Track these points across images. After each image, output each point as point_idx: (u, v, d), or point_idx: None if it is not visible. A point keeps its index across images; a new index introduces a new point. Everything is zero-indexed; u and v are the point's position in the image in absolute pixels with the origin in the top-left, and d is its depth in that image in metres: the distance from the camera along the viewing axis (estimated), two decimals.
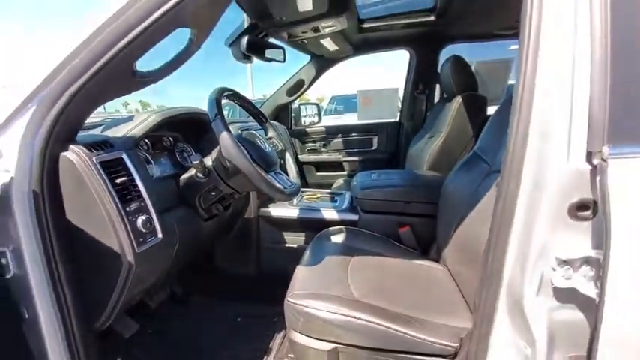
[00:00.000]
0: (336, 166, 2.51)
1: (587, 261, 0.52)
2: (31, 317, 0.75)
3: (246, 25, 1.50)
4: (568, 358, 0.56)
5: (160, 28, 0.70)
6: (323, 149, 2.52)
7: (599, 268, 0.50)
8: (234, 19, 1.61)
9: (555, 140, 0.52)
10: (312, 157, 2.54)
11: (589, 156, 0.50)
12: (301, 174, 2.55)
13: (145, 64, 0.79)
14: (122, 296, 0.82)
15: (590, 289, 0.51)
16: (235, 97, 1.08)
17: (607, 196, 0.46)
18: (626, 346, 0.49)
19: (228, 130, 0.89)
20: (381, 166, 2.23)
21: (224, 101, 1.03)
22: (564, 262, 0.53)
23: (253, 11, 1.26)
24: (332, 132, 2.50)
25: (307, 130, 2.53)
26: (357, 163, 2.46)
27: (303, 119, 2.64)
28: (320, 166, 2.55)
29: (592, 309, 0.50)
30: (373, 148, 2.45)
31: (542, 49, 0.53)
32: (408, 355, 0.82)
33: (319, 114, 2.70)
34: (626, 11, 0.49)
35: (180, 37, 0.79)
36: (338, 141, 2.49)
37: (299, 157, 2.53)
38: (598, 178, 0.48)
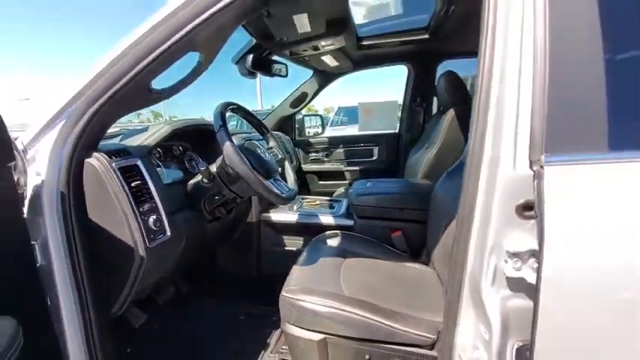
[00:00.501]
0: (338, 175, 2.60)
1: (533, 254, 0.60)
2: (53, 304, 0.85)
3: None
4: (519, 341, 0.63)
5: (174, 52, 0.81)
6: (325, 159, 2.62)
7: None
8: (242, 37, 1.73)
9: (504, 149, 0.61)
10: (314, 167, 2.64)
11: (531, 163, 0.58)
12: (304, 182, 2.65)
13: (158, 82, 0.91)
14: (134, 287, 0.92)
15: (535, 279, 0.59)
16: (239, 110, 1.19)
17: (542, 198, 0.55)
18: (558, 329, 0.56)
19: (231, 140, 0.99)
20: (380, 176, 2.31)
21: (230, 114, 1.14)
22: (514, 255, 0.61)
23: (257, 33, 1.38)
24: (334, 142, 2.61)
25: (310, 140, 2.63)
26: (357, 173, 2.55)
27: (307, 130, 2.75)
28: (322, 175, 2.65)
29: None
30: (373, 158, 2.54)
31: (495, 69, 0.63)
32: (389, 345, 0.90)
33: (323, 125, 2.82)
34: (563, 42, 0.58)
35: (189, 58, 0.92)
36: (340, 151, 2.59)
37: (302, 166, 2.63)
38: (536, 183, 0.56)
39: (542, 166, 0.56)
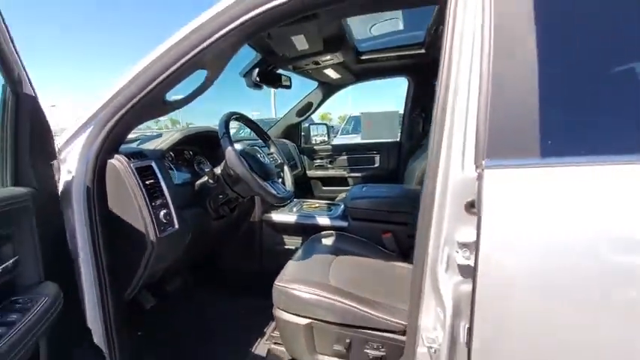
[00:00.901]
0: (341, 181, 2.72)
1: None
2: (78, 283, 0.99)
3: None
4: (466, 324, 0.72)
5: (185, 70, 0.95)
6: (329, 165, 2.74)
7: None
8: (250, 52, 1.88)
9: (455, 154, 0.72)
10: (319, 173, 2.76)
11: (475, 166, 0.69)
12: (309, 187, 2.78)
13: (171, 94, 1.06)
14: (146, 271, 1.05)
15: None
16: (242, 119, 1.33)
17: (481, 197, 0.65)
18: (491, 309, 0.66)
19: (232, 145, 1.13)
20: (381, 182, 2.41)
21: (239, 124, 1.28)
22: (464, 246, 0.71)
23: (261, 49, 1.52)
24: (338, 150, 2.73)
25: (315, 147, 2.76)
26: (360, 179, 2.65)
27: (313, 138, 2.89)
28: (326, 180, 2.77)
29: None
30: (375, 166, 2.65)
31: (450, 87, 0.74)
32: (367, 331, 1.00)
33: (328, 133, 2.96)
34: (503, 66, 0.69)
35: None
36: (343, 158, 2.71)
37: (307, 172, 2.75)
38: (477, 184, 0.67)
39: (483, 169, 0.67)
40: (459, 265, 0.73)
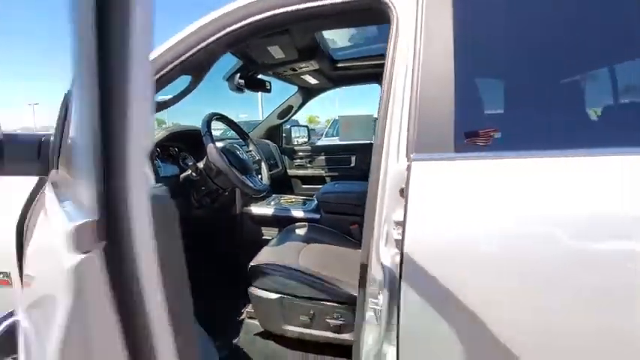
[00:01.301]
0: (319, 179, 2.87)
1: None
2: None
3: None
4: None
5: (170, 76, 1.10)
6: (308, 165, 2.90)
7: None
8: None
9: (393, 149, 0.89)
10: (299, 172, 2.92)
11: (406, 159, 0.86)
12: (289, 186, 2.93)
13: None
14: None
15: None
16: (223, 119, 1.48)
17: (408, 184, 0.82)
18: (415, 273, 0.83)
19: (214, 142, 1.28)
20: (357, 180, 2.58)
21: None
22: (398, 224, 0.88)
23: (242, 56, 1.67)
24: (317, 150, 2.89)
25: (295, 148, 2.92)
26: (337, 178, 2.82)
27: (295, 139, 3.05)
28: (305, 179, 2.92)
29: None
30: (351, 165, 2.82)
31: (391, 94, 0.91)
32: (328, 303, 1.16)
33: (308, 135, 3.13)
34: (427, 81, 0.86)
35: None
36: (321, 158, 2.87)
37: (288, 171, 2.91)
38: (406, 173, 0.84)
39: (411, 161, 0.84)
40: (395, 240, 0.90)
